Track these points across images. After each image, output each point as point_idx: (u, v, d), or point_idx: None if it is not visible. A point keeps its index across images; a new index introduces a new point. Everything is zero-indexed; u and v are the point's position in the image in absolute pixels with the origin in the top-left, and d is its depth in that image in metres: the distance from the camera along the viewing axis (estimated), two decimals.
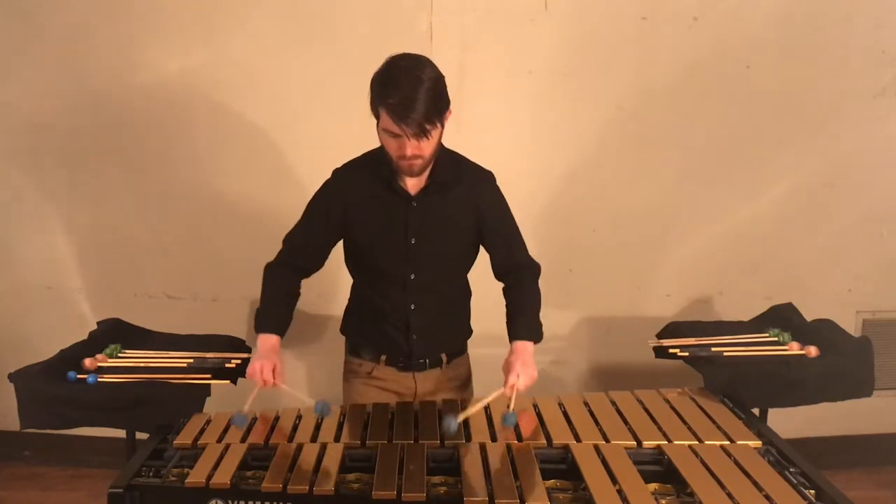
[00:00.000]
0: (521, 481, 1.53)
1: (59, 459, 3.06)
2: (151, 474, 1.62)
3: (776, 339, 2.17)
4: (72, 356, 2.01)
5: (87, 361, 1.99)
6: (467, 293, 2.09)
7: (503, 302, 2.01)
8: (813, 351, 2.06)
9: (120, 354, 2.10)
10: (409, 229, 1.87)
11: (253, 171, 2.85)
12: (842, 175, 2.90)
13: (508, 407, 1.77)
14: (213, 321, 2.87)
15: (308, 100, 2.78)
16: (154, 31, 2.74)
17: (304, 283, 2.01)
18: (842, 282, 2.99)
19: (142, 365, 2.03)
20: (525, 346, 1.88)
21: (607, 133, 2.83)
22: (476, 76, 2.74)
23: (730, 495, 1.48)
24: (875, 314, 3.02)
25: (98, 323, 2.26)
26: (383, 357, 2.01)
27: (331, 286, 2.46)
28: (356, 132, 2.78)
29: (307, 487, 1.53)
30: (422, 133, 1.68)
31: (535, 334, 1.92)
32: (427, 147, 1.73)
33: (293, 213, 2.88)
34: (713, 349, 2.12)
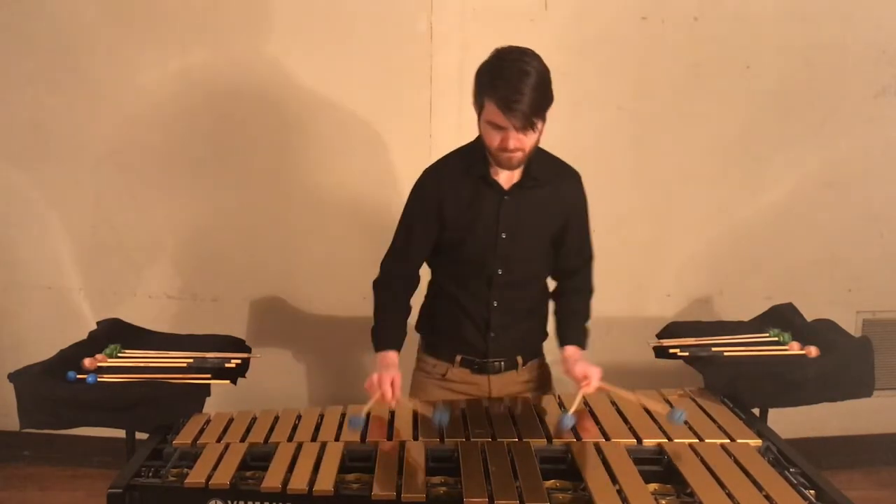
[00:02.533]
0: (521, 481, 1.53)
1: (59, 459, 3.06)
2: (151, 474, 1.62)
3: (776, 339, 2.17)
4: (71, 356, 2.01)
5: (87, 361, 1.99)
6: (547, 294, 2.06)
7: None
8: (813, 351, 2.05)
9: (120, 354, 2.09)
10: (501, 223, 1.85)
11: (252, 170, 2.85)
12: (842, 175, 2.90)
13: (562, 408, 1.79)
14: (213, 321, 2.87)
15: (308, 99, 2.78)
16: (154, 32, 2.74)
17: (314, 285, 1.98)
18: (842, 282, 2.99)
19: (141, 365, 2.03)
20: (580, 351, 1.92)
21: (607, 133, 2.83)
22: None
23: (730, 495, 1.48)
24: (875, 314, 3.02)
25: (98, 323, 2.26)
26: (458, 357, 1.97)
27: (335, 287, 2.46)
28: (357, 131, 2.80)
29: (307, 487, 1.53)
30: (528, 126, 1.68)
31: (585, 342, 1.96)
32: (529, 141, 1.72)
33: (293, 213, 2.90)
34: (713, 349, 2.11)
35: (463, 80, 2.73)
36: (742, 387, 1.93)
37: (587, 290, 2.05)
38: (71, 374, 1.92)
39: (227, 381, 2.00)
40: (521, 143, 1.71)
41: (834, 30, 2.77)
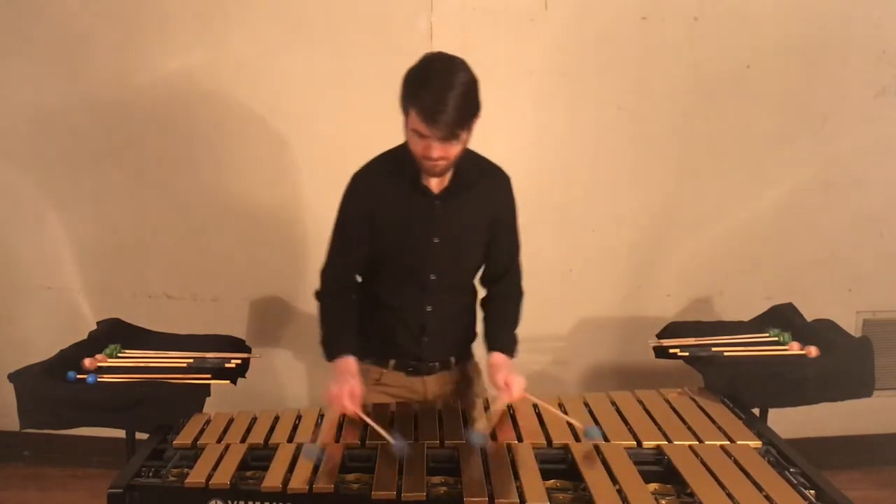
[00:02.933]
0: (521, 481, 1.53)
1: (59, 459, 3.06)
2: (151, 474, 1.63)
3: (776, 339, 2.17)
4: (71, 356, 2.01)
5: (87, 361, 1.99)
6: (476, 295, 2.07)
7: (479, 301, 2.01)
8: (813, 351, 2.06)
9: (120, 354, 2.10)
10: (433, 229, 1.86)
11: (253, 171, 2.85)
12: (842, 175, 2.90)
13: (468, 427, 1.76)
14: (213, 321, 2.87)
15: (308, 100, 2.78)
16: (154, 32, 2.74)
17: (313, 285, 1.99)
18: (842, 282, 2.99)
19: (141, 365, 2.03)
20: (507, 359, 1.89)
21: (607, 133, 2.83)
22: (476, 76, 2.74)
23: (730, 495, 1.48)
24: (875, 314, 3.02)
25: (98, 323, 2.26)
26: (392, 362, 1.98)
27: None
28: (357, 132, 2.79)
29: (307, 487, 1.53)
30: (450, 137, 1.66)
31: (514, 350, 1.93)
32: (453, 150, 1.71)
33: (293, 213, 2.90)
34: (713, 349, 2.12)
35: None
36: (742, 387, 1.93)
37: (516, 295, 2.01)
38: (71, 374, 1.92)
39: (227, 381, 2.00)
40: (444, 152, 1.69)
41: (834, 30, 2.77)
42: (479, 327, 2.10)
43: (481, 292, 2.05)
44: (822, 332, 2.17)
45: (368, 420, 1.71)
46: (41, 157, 2.88)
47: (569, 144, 2.86)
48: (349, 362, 1.84)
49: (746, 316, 2.41)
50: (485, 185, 1.90)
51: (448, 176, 1.84)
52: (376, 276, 1.97)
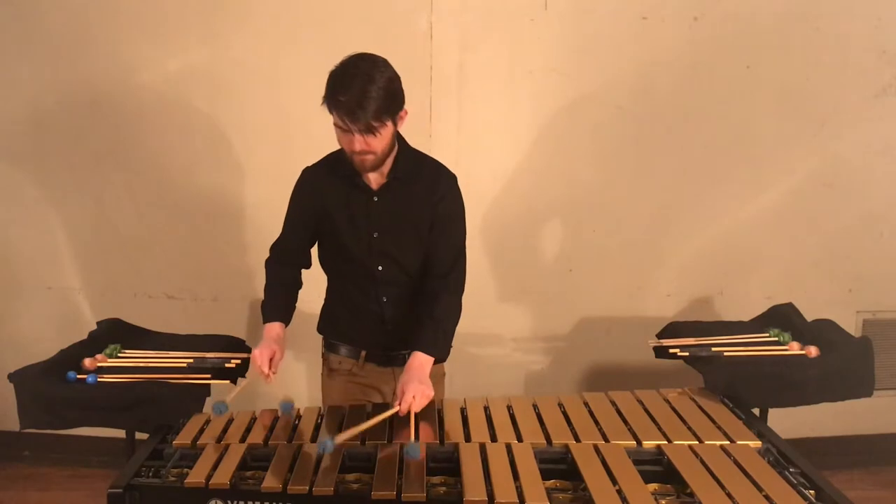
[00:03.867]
0: (521, 481, 1.53)
1: (59, 459, 3.06)
2: (151, 474, 1.62)
3: (776, 339, 2.17)
4: (72, 356, 2.01)
5: (87, 361, 1.99)
6: None
7: (480, 301, 1.99)
8: (813, 351, 2.05)
9: (120, 354, 2.09)
10: (371, 223, 1.92)
11: (253, 170, 2.85)
12: (842, 175, 2.90)
13: (411, 438, 1.68)
14: (213, 321, 2.87)
15: (308, 100, 2.76)
16: (154, 32, 2.74)
17: (310, 284, 2.01)
18: (842, 282, 2.99)
19: (142, 365, 2.03)
20: (424, 361, 1.84)
21: (607, 133, 2.83)
22: (476, 76, 2.74)
23: (730, 495, 1.48)
24: (875, 314, 3.02)
25: (98, 323, 2.26)
26: (363, 353, 2.03)
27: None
28: None
29: (307, 487, 1.53)
30: (368, 130, 1.73)
31: (439, 349, 1.89)
32: (376, 144, 1.77)
33: None
34: (713, 349, 2.11)
35: (463, 80, 2.74)
36: (742, 387, 1.93)
37: (450, 292, 1.95)
38: (71, 374, 1.92)
39: (227, 381, 1.99)
40: (367, 145, 1.76)
41: (834, 30, 2.77)
42: (499, 324, 2.07)
43: (516, 288, 2.04)
44: (822, 332, 2.16)
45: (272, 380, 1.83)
46: (41, 157, 2.88)
47: (569, 144, 2.86)
48: (275, 328, 1.94)
49: (746, 316, 2.41)
50: (425, 181, 1.94)
51: (386, 171, 1.90)
52: (334, 271, 2.06)
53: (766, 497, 1.47)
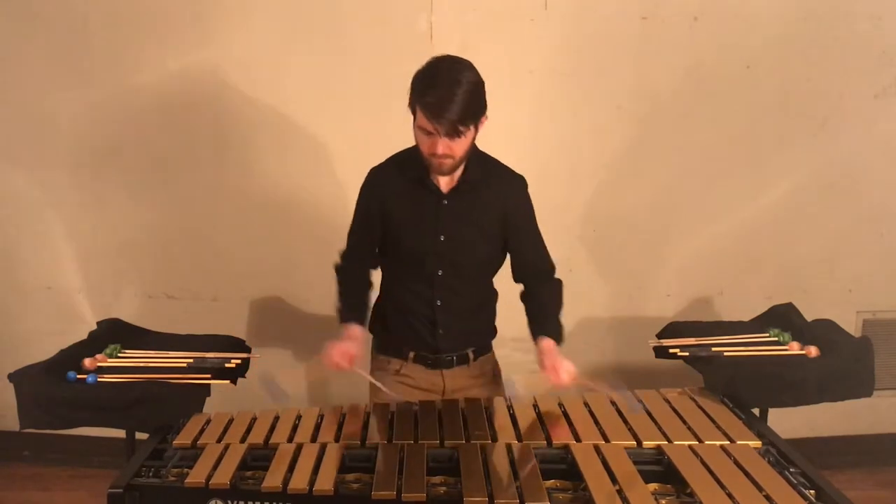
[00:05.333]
0: (521, 481, 1.53)
1: (59, 459, 3.06)
2: (151, 474, 1.62)
3: (776, 339, 2.17)
4: (72, 356, 2.01)
5: (87, 361, 1.99)
6: (493, 294, 2.11)
7: (512, 304, 2.02)
8: (813, 351, 2.05)
9: (120, 354, 2.09)
10: (439, 226, 1.91)
11: (253, 170, 2.85)
12: (842, 175, 2.90)
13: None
14: (213, 321, 2.87)
15: (308, 99, 2.78)
16: (154, 32, 2.74)
17: (313, 285, 2.02)
18: (842, 282, 2.99)
19: (142, 365, 2.03)
20: (554, 344, 1.93)
21: (607, 133, 2.83)
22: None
23: (730, 495, 1.48)
24: (875, 314, 3.02)
25: (98, 323, 2.26)
26: (411, 354, 2.03)
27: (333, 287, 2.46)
28: (356, 131, 2.80)
29: (307, 487, 1.53)
30: (454, 133, 1.72)
31: (559, 334, 1.96)
32: (458, 147, 1.77)
33: (293, 212, 2.90)
34: (713, 349, 2.11)
35: None
36: (742, 387, 1.93)
37: (550, 284, 2.07)
38: (71, 374, 1.92)
39: (227, 381, 2.00)
40: (449, 149, 1.76)
41: (834, 30, 2.77)
42: (500, 325, 2.11)
43: (517, 288, 2.08)
44: (822, 332, 2.16)
45: (361, 372, 1.91)
46: (42, 158, 2.88)
47: (569, 144, 2.86)
48: (352, 328, 1.96)
49: (746, 316, 2.41)
50: (496, 186, 1.95)
51: (457, 175, 1.89)
52: (391, 271, 2.06)
53: (766, 497, 1.47)
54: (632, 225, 2.91)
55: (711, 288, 2.98)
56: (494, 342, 2.12)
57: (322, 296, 2.67)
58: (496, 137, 2.79)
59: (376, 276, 2.12)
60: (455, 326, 2.00)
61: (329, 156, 2.81)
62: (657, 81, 2.79)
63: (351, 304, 2.01)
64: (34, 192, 2.90)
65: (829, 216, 2.93)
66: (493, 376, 2.13)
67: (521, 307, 2.06)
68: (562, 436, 1.74)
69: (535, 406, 1.90)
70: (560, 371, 1.84)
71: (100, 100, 2.80)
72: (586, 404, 1.91)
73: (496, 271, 2.07)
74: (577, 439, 1.72)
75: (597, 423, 1.80)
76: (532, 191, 2.83)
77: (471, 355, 2.04)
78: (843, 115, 2.84)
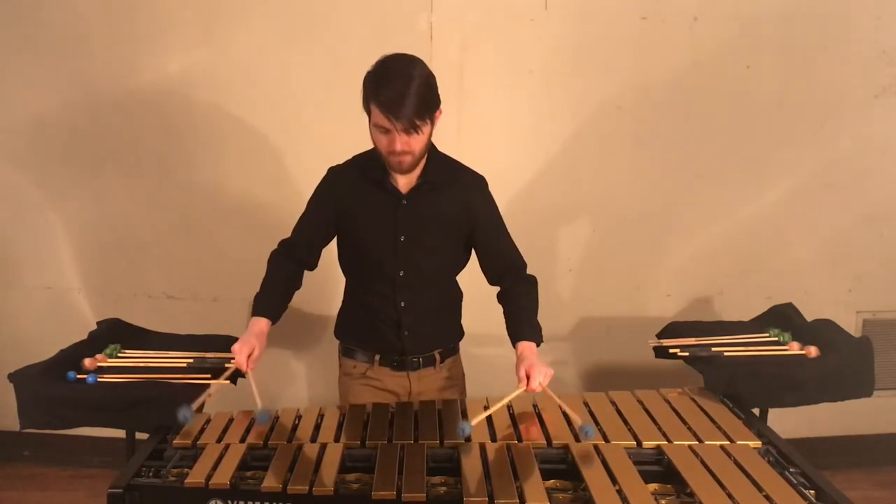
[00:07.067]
0: (521, 481, 1.53)
1: (59, 459, 3.06)
2: (151, 474, 1.62)
3: (776, 339, 2.17)
4: (71, 356, 2.01)
5: (87, 361, 1.98)
6: (458, 294, 2.11)
7: (480, 301, 2.02)
8: (813, 351, 2.05)
9: (120, 354, 2.09)
10: (399, 227, 1.91)
11: (253, 170, 2.85)
12: (842, 175, 2.90)
13: (464, 417, 1.76)
14: (213, 321, 2.87)
15: (308, 100, 2.78)
16: (154, 32, 2.74)
17: (313, 285, 2.02)
18: (842, 282, 2.99)
19: (141, 365, 2.03)
20: (532, 347, 1.90)
21: (607, 133, 2.83)
22: (476, 76, 2.74)
23: (730, 495, 1.48)
24: (875, 314, 3.02)
25: (98, 323, 2.26)
26: (377, 357, 2.03)
27: (333, 287, 2.46)
28: (356, 132, 2.78)
29: (307, 487, 1.53)
30: (411, 128, 1.73)
31: (538, 335, 1.94)
32: (416, 143, 1.77)
33: (293, 212, 2.88)
34: (713, 349, 2.11)
35: (463, 80, 2.74)
36: (742, 387, 1.93)
37: (526, 284, 2.02)
38: (71, 374, 1.92)
39: (227, 381, 1.99)
40: (407, 145, 1.76)
41: (834, 30, 2.77)
42: (468, 324, 2.11)
43: (491, 289, 2.06)
44: (822, 332, 2.16)
45: (252, 383, 1.84)
46: (41, 157, 2.88)
47: (569, 144, 2.86)
48: (260, 323, 1.94)
49: (746, 316, 2.41)
50: (456, 187, 1.94)
51: (416, 175, 1.89)
52: (353, 274, 2.06)
53: (766, 497, 1.47)
54: (632, 225, 2.91)
55: (711, 288, 2.98)
56: (496, 342, 2.12)
57: (322, 296, 2.67)
58: (496, 137, 2.82)
59: (336, 281, 2.10)
60: (420, 328, 1.99)
61: (329, 156, 2.80)
62: (657, 81, 2.79)
63: (269, 296, 1.99)
64: (34, 192, 2.90)
65: (829, 216, 2.93)
66: (460, 378, 2.12)
67: (488, 306, 2.05)
68: (534, 435, 1.73)
69: (535, 406, 1.90)
70: (533, 379, 1.80)
71: (99, 99, 2.80)
72: (586, 404, 1.91)
73: (459, 271, 2.07)
74: (578, 439, 1.72)
75: (597, 423, 1.80)
76: (532, 191, 2.85)
77: (437, 357, 2.04)
78: (842, 115, 2.84)
